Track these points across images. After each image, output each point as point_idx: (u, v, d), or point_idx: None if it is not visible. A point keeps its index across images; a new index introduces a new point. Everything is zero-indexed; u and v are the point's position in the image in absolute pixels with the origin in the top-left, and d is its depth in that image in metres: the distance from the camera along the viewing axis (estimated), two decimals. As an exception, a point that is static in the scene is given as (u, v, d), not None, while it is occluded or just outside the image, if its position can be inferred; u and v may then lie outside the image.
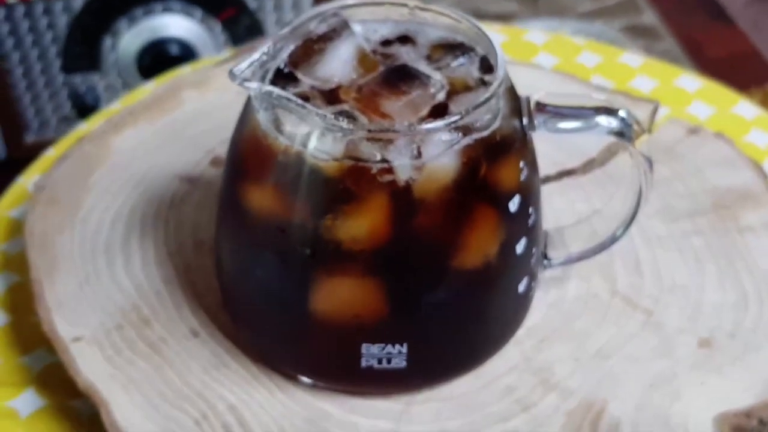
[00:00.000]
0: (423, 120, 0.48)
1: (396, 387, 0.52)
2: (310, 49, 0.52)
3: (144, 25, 1.06)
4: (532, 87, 0.70)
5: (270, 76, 0.50)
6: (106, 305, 0.56)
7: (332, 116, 0.46)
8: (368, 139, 0.47)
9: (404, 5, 0.53)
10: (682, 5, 1.29)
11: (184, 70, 0.76)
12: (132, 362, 0.54)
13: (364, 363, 0.50)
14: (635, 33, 1.24)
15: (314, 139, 0.47)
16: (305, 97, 0.49)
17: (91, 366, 0.54)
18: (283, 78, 0.51)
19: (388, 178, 0.46)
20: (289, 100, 0.47)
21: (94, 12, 1.04)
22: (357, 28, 0.53)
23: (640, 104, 0.69)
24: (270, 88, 0.47)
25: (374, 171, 0.46)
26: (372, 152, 0.47)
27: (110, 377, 0.53)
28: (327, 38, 0.52)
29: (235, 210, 0.52)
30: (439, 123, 0.46)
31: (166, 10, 1.05)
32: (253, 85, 0.48)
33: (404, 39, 0.53)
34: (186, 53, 1.07)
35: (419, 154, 0.47)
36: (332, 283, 0.49)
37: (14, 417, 0.55)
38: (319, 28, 0.53)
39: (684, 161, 0.65)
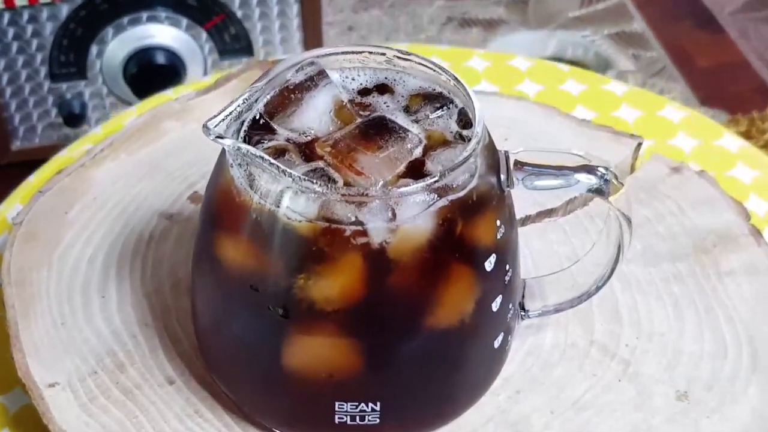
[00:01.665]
0: (399, 177, 0.48)
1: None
2: (287, 98, 0.52)
3: (130, 34, 1.06)
4: (515, 120, 0.70)
5: (245, 127, 0.50)
6: (82, 349, 0.56)
7: (305, 178, 0.46)
8: (342, 201, 0.46)
9: (383, 54, 0.53)
10: (670, 13, 1.29)
11: (166, 96, 0.75)
12: (106, 410, 0.54)
13: (337, 419, 0.50)
14: (624, 41, 1.23)
15: (287, 198, 0.46)
16: (281, 152, 0.49)
17: (66, 414, 0.53)
18: (258, 129, 0.50)
19: (361, 240, 0.46)
20: (262, 159, 0.46)
21: (80, 20, 1.04)
22: (335, 76, 0.53)
23: (623, 140, 0.69)
24: (243, 146, 0.47)
25: (348, 233, 0.46)
26: (346, 214, 0.46)
27: (84, 425, 0.53)
28: (304, 87, 0.52)
29: (208, 261, 0.51)
30: (414, 187, 0.46)
31: (152, 19, 1.05)
32: (227, 141, 0.47)
33: (382, 88, 0.53)
34: (172, 61, 1.07)
35: (394, 216, 0.46)
36: (305, 342, 0.49)
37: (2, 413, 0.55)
38: (296, 77, 0.52)
39: (666, 201, 0.65)
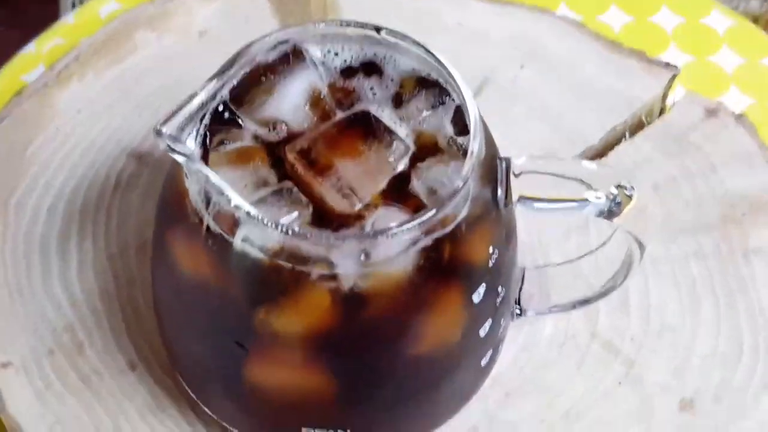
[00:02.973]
0: (380, 197, 0.41)
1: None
2: (257, 83, 0.44)
3: None
4: (535, 42, 0.61)
5: (206, 120, 0.43)
6: (39, 324, 0.52)
7: (260, 217, 0.39)
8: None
9: (375, 31, 0.44)
10: None
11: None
12: (62, 399, 0.50)
13: (305, 441, 0.46)
14: None
15: (245, 228, 0.40)
16: (246, 156, 0.42)
17: (18, 402, 0.50)
18: (222, 122, 0.43)
19: (330, 284, 0.40)
20: (219, 189, 0.40)
21: None
22: (315, 51, 0.45)
23: (656, 71, 0.61)
24: (198, 167, 0.40)
25: (314, 277, 0.40)
26: (312, 252, 0.40)
27: (39, 417, 0.49)
28: (277, 69, 0.45)
29: (165, 265, 0.46)
30: (393, 230, 0.39)
31: None
32: (179, 157, 0.41)
33: (369, 67, 0.45)
34: None
35: (368, 257, 0.40)
36: (267, 371, 0.44)
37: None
38: (269, 56, 0.44)
39: (696, 156, 0.58)
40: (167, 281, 0.46)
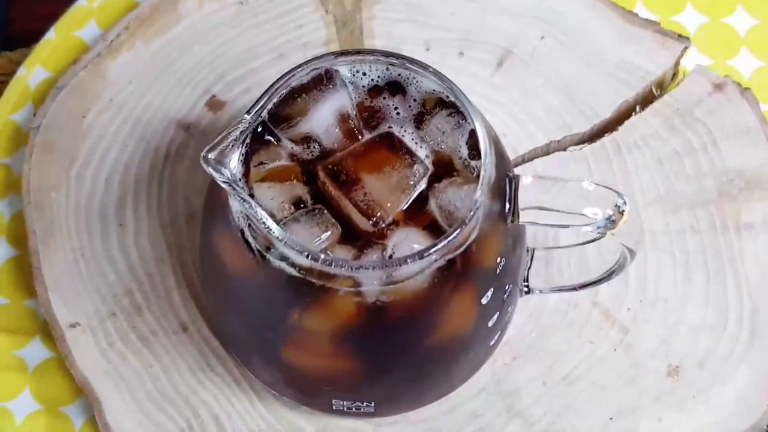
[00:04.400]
0: (403, 217, 0.47)
1: (366, 419, 0.56)
2: (292, 104, 0.49)
3: None
4: (552, 12, 0.65)
5: (248, 140, 0.48)
6: (100, 287, 0.59)
7: (294, 246, 0.45)
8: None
9: (401, 59, 0.49)
10: None
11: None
12: (123, 357, 0.57)
13: (334, 407, 0.53)
14: None
15: (278, 248, 0.46)
16: (284, 176, 0.48)
17: (86, 359, 0.57)
18: (262, 142, 0.48)
19: (355, 298, 0.46)
20: (258, 217, 0.45)
21: None
22: (344, 71, 0.50)
23: (669, 44, 0.64)
24: (241, 194, 0.45)
25: (341, 292, 0.46)
26: (338, 272, 0.46)
27: (104, 373, 0.57)
28: (310, 90, 0.49)
29: (212, 260, 0.52)
30: (414, 260, 0.45)
31: None
32: (224, 184, 0.46)
33: (394, 86, 0.50)
34: None
35: (389, 276, 0.46)
36: (300, 357, 0.51)
37: (23, 369, 0.60)
38: (303, 79, 0.49)
39: (699, 130, 0.62)
40: (213, 270, 0.53)
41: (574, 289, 0.56)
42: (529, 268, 0.57)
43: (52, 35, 0.68)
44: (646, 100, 0.64)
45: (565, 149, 0.62)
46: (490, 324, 0.51)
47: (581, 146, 0.62)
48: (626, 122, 0.62)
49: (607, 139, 0.62)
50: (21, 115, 0.65)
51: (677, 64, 0.64)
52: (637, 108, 0.63)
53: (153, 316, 0.58)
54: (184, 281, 0.59)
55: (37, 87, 0.66)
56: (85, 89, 0.63)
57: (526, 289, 0.56)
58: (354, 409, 0.53)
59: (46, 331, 0.59)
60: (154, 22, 0.65)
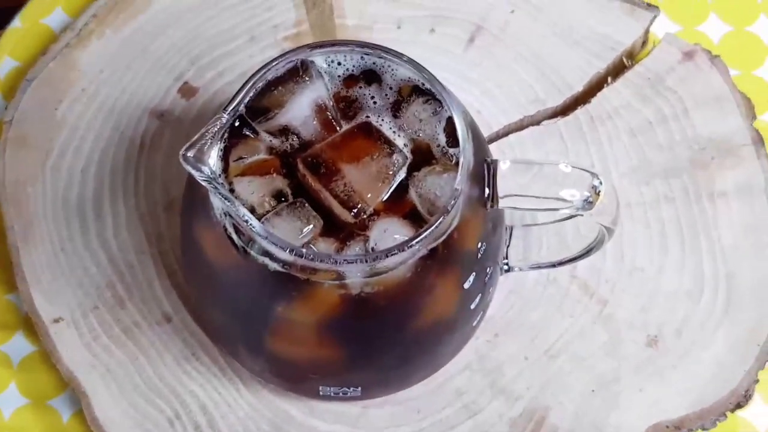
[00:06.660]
0: (383, 207, 0.47)
1: (353, 402, 0.57)
2: (269, 96, 0.49)
3: None
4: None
5: (226, 134, 0.48)
6: (82, 281, 0.59)
7: (275, 242, 0.45)
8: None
9: (376, 48, 0.49)
10: None
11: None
12: (108, 350, 0.58)
13: (321, 393, 0.54)
14: None
15: (260, 243, 0.46)
16: (264, 170, 0.48)
17: (72, 353, 0.57)
18: (240, 135, 0.48)
19: (339, 290, 0.47)
20: (239, 215, 0.45)
21: None
22: (320, 62, 0.50)
23: (638, 13, 0.65)
24: (221, 191, 0.45)
25: (325, 285, 0.47)
26: (321, 266, 0.46)
27: (90, 367, 0.57)
28: (286, 82, 0.49)
29: (194, 255, 0.52)
30: (397, 252, 0.45)
31: None
32: (204, 182, 0.46)
33: (369, 75, 0.50)
34: None
35: (372, 268, 0.46)
36: (286, 346, 0.51)
37: (7, 364, 0.60)
38: (279, 71, 0.49)
39: (671, 99, 0.63)
40: (196, 264, 0.53)
41: (553, 265, 0.57)
42: (508, 246, 0.57)
43: (17, 24, 0.67)
44: (618, 70, 0.64)
45: (539, 123, 0.62)
46: (472, 306, 0.52)
47: (555, 120, 0.62)
48: (598, 94, 0.63)
49: (579, 111, 0.62)
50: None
51: (647, 32, 0.65)
52: (609, 79, 0.64)
53: (136, 308, 0.58)
54: (165, 271, 0.59)
55: (6, 77, 0.66)
56: (56, 80, 0.63)
57: (506, 267, 0.57)
58: (341, 394, 0.54)
59: (29, 325, 0.60)
60: (123, 9, 0.64)
